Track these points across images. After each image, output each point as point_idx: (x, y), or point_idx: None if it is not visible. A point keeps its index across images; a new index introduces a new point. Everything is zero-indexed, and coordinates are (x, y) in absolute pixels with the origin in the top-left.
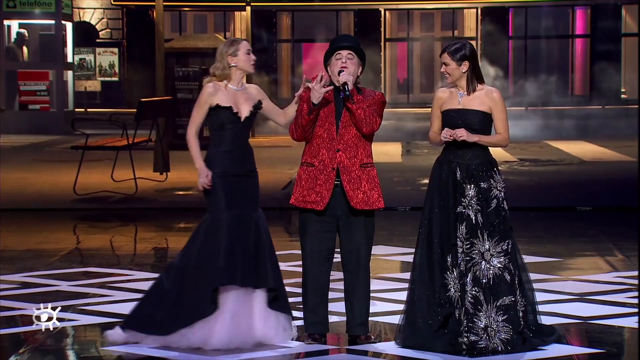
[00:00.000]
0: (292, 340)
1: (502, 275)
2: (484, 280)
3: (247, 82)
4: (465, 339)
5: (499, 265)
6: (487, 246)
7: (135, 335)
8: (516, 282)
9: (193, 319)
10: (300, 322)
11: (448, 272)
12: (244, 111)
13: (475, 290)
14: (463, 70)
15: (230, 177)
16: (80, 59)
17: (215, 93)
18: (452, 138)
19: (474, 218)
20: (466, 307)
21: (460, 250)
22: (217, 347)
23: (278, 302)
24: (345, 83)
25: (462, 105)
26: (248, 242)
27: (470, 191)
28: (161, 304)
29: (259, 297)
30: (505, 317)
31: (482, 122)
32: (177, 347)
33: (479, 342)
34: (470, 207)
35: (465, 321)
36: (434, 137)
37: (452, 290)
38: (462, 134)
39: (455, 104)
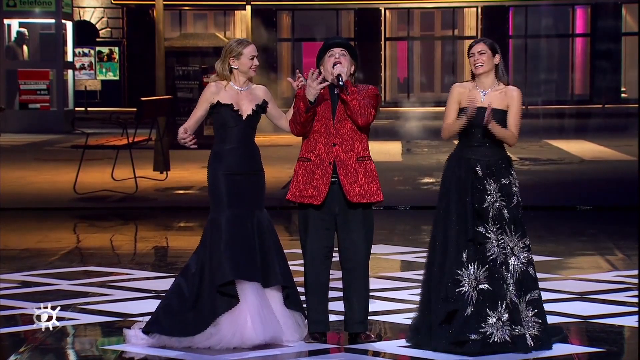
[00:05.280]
0: (303, 338)
1: (527, 271)
2: (515, 276)
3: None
4: (508, 332)
5: (524, 260)
6: (514, 241)
7: (160, 338)
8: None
9: (213, 316)
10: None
11: (462, 269)
12: (246, 110)
13: (513, 286)
14: (496, 62)
15: (234, 176)
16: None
17: (217, 92)
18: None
19: (500, 214)
20: (512, 300)
21: (495, 244)
22: (254, 343)
23: (292, 300)
24: (339, 74)
25: (485, 104)
26: (250, 240)
27: (493, 187)
28: (182, 307)
29: (276, 296)
30: (534, 312)
31: (502, 120)
32: (206, 347)
33: (526, 337)
34: (496, 203)
35: (507, 314)
36: (450, 128)
37: (466, 287)
38: (488, 118)
39: (478, 101)
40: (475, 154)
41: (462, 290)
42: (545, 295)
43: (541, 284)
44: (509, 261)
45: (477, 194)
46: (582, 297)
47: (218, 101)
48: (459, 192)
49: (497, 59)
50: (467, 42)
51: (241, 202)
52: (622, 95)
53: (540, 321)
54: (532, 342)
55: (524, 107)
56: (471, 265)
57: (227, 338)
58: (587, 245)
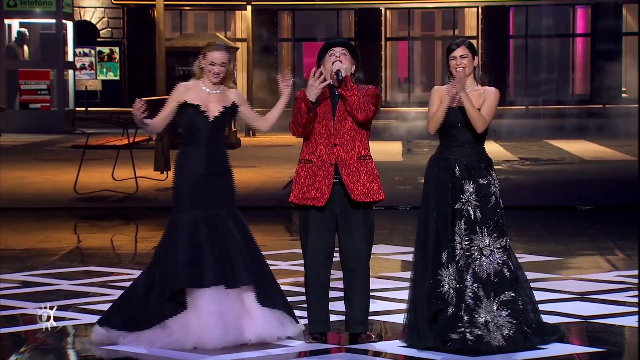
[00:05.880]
0: (296, 336)
1: (502, 271)
2: (484, 276)
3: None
4: (469, 334)
5: (498, 260)
6: (486, 242)
7: (110, 332)
8: (515, 278)
9: (160, 318)
10: (303, 321)
11: (442, 269)
12: (213, 111)
13: (475, 287)
14: (474, 65)
15: (200, 177)
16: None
17: (186, 92)
18: (455, 91)
19: (472, 214)
20: (467, 302)
21: (459, 246)
22: (210, 346)
23: (267, 298)
24: (338, 70)
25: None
26: (216, 241)
27: (469, 187)
28: (132, 303)
29: (249, 297)
30: (508, 312)
31: None
32: (161, 346)
33: (483, 337)
34: (469, 204)
35: (466, 316)
36: (434, 116)
37: (446, 286)
38: (459, 88)
39: (457, 101)
40: (455, 154)
41: (443, 290)
42: (545, 295)
43: (542, 284)
44: (479, 262)
45: (454, 194)
46: (583, 297)
47: (185, 101)
48: (439, 192)
49: (476, 60)
50: None
51: (206, 203)
52: (623, 95)
53: (515, 321)
54: (503, 342)
55: (524, 107)
56: (451, 265)
57: (181, 340)
58: (587, 245)
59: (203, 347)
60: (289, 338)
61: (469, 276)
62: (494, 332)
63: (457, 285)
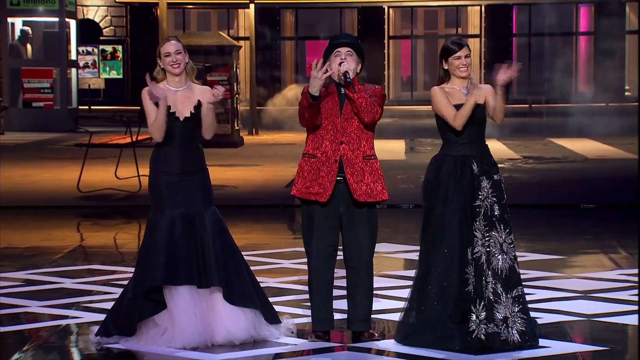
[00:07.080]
0: (274, 337)
1: (514, 266)
2: (504, 272)
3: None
4: (483, 330)
5: (512, 256)
6: (503, 237)
7: (108, 340)
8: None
9: (139, 319)
10: (301, 320)
11: (468, 267)
12: (183, 111)
13: (493, 282)
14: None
15: (173, 176)
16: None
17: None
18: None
19: (490, 210)
20: (488, 298)
21: (480, 243)
22: (179, 345)
23: (238, 298)
24: (346, 72)
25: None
26: (192, 240)
27: (486, 184)
28: (125, 306)
29: (218, 296)
30: (519, 307)
31: (482, 114)
32: (153, 345)
33: (501, 335)
34: (487, 200)
35: (484, 312)
36: (461, 113)
37: (471, 285)
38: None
39: (462, 98)
40: (469, 151)
41: (469, 288)
42: (548, 294)
43: (544, 282)
44: (498, 258)
45: (472, 191)
46: (586, 295)
47: (156, 102)
48: (458, 190)
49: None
50: (472, 41)
51: (183, 202)
52: (626, 93)
53: (525, 317)
54: (519, 338)
55: (527, 105)
56: (473, 263)
57: (162, 340)
58: (590, 243)
59: (173, 345)
60: (265, 338)
61: (490, 272)
62: (511, 328)
63: (476, 283)
